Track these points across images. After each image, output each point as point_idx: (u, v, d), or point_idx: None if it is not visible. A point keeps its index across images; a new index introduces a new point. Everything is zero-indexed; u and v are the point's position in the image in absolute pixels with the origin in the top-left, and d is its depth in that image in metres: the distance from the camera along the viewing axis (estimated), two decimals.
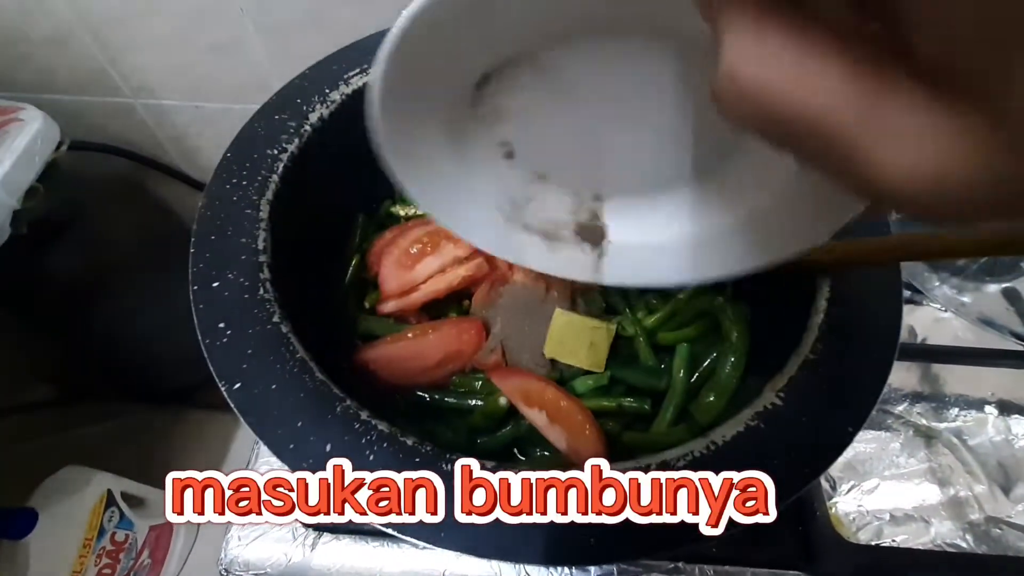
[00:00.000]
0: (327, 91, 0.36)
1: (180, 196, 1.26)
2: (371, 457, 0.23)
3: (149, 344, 1.16)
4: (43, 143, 0.86)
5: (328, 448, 0.23)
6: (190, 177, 1.22)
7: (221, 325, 0.26)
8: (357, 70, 0.38)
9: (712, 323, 0.39)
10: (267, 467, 0.41)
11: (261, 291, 0.27)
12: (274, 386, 0.25)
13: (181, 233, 1.21)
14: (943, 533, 0.43)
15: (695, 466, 0.23)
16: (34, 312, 1.08)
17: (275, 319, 0.27)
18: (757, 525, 0.39)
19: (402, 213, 0.45)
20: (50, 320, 1.09)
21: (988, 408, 0.49)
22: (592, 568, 0.39)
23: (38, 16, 0.91)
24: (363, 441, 0.23)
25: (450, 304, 0.42)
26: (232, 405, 0.24)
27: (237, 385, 0.24)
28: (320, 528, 0.39)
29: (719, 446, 0.24)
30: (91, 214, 1.07)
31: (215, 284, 0.27)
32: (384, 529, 0.21)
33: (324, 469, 0.23)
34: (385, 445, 0.23)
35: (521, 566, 0.38)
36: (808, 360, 0.26)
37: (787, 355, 0.28)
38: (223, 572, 0.39)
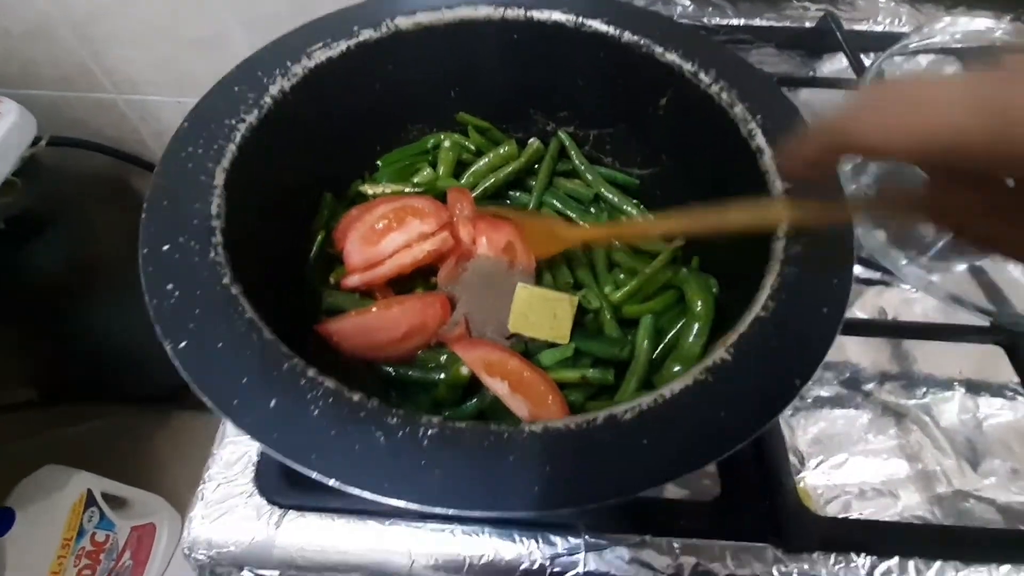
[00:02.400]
0: (289, 64, 0.36)
1: None
2: (315, 412, 0.23)
3: (131, 344, 1.15)
4: (19, 136, 0.85)
5: (273, 403, 0.23)
6: None
7: (169, 287, 0.26)
8: (320, 44, 0.38)
9: (677, 295, 0.39)
10: (233, 445, 0.41)
11: (212, 254, 0.27)
12: (220, 344, 0.24)
13: None
14: (911, 506, 0.43)
15: (643, 418, 0.23)
16: (11, 310, 1.07)
17: (224, 281, 0.26)
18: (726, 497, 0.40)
19: (370, 192, 0.45)
20: (28, 319, 1.07)
21: (956, 386, 0.49)
22: (559, 542, 0.38)
23: (16, 9, 0.91)
24: (307, 397, 0.23)
25: (416, 280, 0.42)
26: (176, 363, 0.24)
27: (182, 344, 0.24)
28: (285, 505, 0.39)
29: (667, 399, 0.24)
30: (72, 211, 1.06)
31: (165, 247, 0.27)
32: (332, 483, 0.21)
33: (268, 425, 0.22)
34: (330, 400, 0.23)
35: (487, 540, 0.38)
36: (759, 317, 0.26)
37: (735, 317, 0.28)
38: (185, 552, 0.39)
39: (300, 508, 0.39)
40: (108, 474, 1.04)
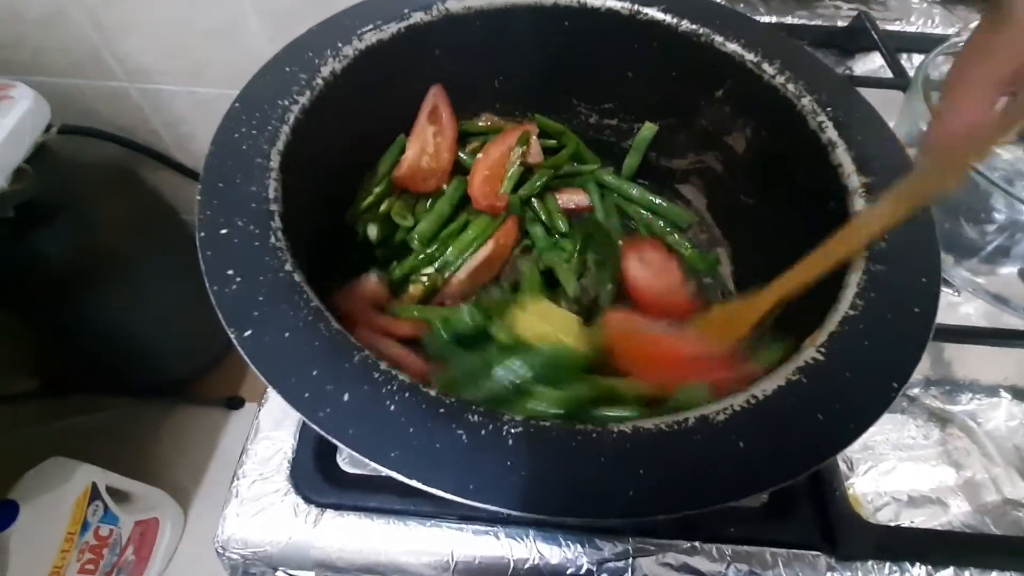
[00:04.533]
0: (340, 45, 0.35)
1: (173, 184, 1.23)
2: (392, 407, 0.22)
3: (136, 336, 1.13)
4: (33, 122, 0.83)
5: (346, 397, 0.22)
6: (183, 165, 1.20)
7: (230, 272, 0.25)
8: (370, 26, 0.36)
9: None
10: (267, 440, 0.39)
11: (272, 239, 0.26)
12: (287, 334, 0.23)
13: (173, 222, 1.19)
14: (961, 515, 0.42)
15: (736, 419, 0.22)
16: (18, 299, 1.05)
17: (287, 267, 0.25)
18: (776, 503, 0.39)
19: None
20: (34, 308, 1.06)
21: (1003, 392, 0.48)
22: (606, 547, 0.37)
23: None
24: (383, 391, 0.22)
25: None
26: (242, 352, 0.22)
27: (247, 332, 0.23)
28: (323, 504, 0.37)
29: (760, 400, 0.22)
30: (81, 200, 1.04)
31: (223, 231, 0.26)
32: (414, 484, 0.20)
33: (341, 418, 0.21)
34: (407, 395, 0.22)
35: (533, 544, 0.37)
36: (848, 316, 0.25)
37: (820, 316, 0.27)
38: (219, 550, 0.37)
39: (338, 507, 0.38)
40: (110, 467, 1.02)
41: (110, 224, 1.09)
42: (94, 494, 0.96)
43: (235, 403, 1.26)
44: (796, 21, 0.74)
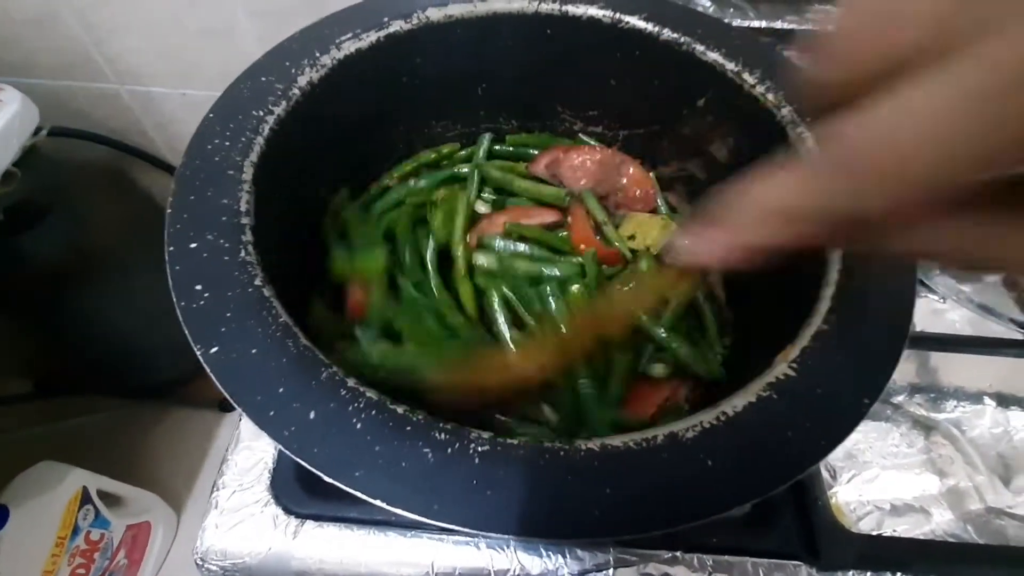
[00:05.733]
0: (317, 55, 0.35)
1: (164, 186, 1.23)
2: (358, 425, 0.21)
3: (128, 338, 1.13)
4: (21, 125, 0.83)
5: (312, 415, 0.21)
6: (174, 167, 1.19)
7: (198, 287, 0.24)
8: (349, 35, 0.36)
9: None
10: (247, 451, 0.39)
11: (243, 253, 0.26)
12: (254, 350, 0.23)
13: (165, 224, 1.18)
14: (943, 523, 0.42)
15: (706, 437, 0.22)
16: (8, 302, 1.05)
17: (256, 282, 0.25)
18: (758, 512, 0.38)
19: None
20: (25, 310, 1.05)
21: (987, 400, 0.48)
22: (587, 557, 0.37)
23: None
24: (350, 408, 0.22)
25: None
26: (207, 369, 0.22)
27: (213, 349, 0.23)
28: (302, 515, 0.37)
29: (730, 416, 0.22)
30: (72, 202, 1.04)
31: (193, 245, 0.26)
32: (378, 504, 0.20)
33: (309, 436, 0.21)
34: (373, 413, 0.22)
35: (514, 555, 0.37)
36: (821, 331, 0.25)
37: (795, 328, 0.27)
38: (198, 562, 0.37)
39: (318, 518, 0.37)
40: (102, 469, 1.02)
41: (101, 226, 1.09)
42: (85, 498, 0.96)
43: (228, 405, 1.25)
44: (786, 26, 0.74)
